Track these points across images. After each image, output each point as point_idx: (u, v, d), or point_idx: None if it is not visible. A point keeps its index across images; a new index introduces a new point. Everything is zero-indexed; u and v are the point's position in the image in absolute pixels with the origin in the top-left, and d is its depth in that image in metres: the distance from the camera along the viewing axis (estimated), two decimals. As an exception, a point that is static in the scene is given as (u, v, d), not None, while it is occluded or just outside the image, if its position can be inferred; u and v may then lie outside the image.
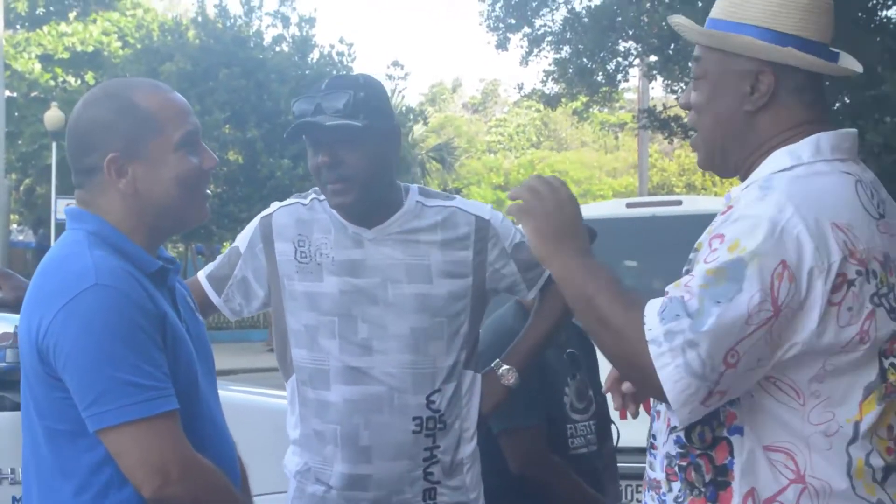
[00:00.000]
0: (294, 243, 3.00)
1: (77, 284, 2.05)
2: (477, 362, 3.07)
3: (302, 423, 3.01)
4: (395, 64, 45.98)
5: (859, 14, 16.43)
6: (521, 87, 22.36)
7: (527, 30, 19.99)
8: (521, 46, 20.24)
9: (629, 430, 3.57)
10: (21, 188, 35.15)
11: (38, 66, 31.36)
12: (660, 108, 19.44)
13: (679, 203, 7.13)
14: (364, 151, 2.87)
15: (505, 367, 3.07)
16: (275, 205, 3.14)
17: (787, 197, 1.96)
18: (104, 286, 2.05)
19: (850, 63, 2.27)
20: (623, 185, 47.96)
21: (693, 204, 6.84)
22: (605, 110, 33.17)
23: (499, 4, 19.69)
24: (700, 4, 13.90)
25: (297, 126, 2.90)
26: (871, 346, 1.97)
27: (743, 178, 2.19)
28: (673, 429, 2.06)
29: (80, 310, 2.03)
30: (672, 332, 1.88)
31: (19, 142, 30.97)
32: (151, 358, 2.06)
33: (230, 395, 3.16)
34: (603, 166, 51.84)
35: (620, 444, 3.81)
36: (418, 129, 37.26)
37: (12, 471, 3.67)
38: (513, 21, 19.80)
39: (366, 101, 2.87)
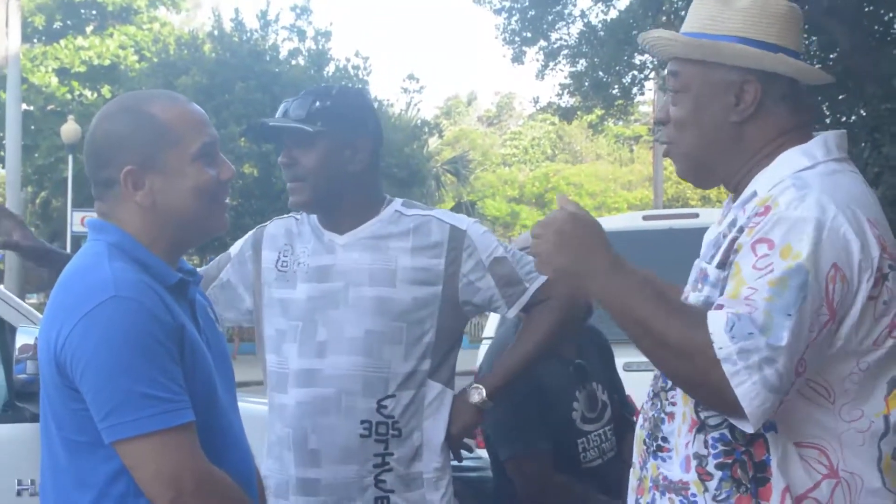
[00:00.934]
0: (279, 252, 3.08)
1: (96, 296, 2.05)
2: (451, 378, 3.04)
3: (269, 430, 3.03)
4: (411, 77, 46.32)
5: (876, 27, 16.42)
6: (536, 101, 22.45)
7: (543, 43, 19.99)
8: (537, 60, 20.25)
9: None
10: (37, 201, 35.29)
11: (54, 80, 31.51)
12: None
13: (696, 216, 7.10)
14: (316, 155, 2.96)
15: (476, 386, 3.05)
16: (274, 218, 3.23)
17: (827, 195, 1.96)
18: (123, 298, 2.04)
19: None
20: (638, 197, 47.89)
21: (710, 216, 6.80)
22: (621, 123, 33.17)
23: (515, 18, 19.70)
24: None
25: (249, 125, 3.12)
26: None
27: (734, 189, 2.19)
28: (702, 429, 2.06)
29: (98, 321, 2.03)
30: (746, 351, 1.87)
31: (36, 155, 31.09)
32: (168, 370, 2.06)
33: (247, 406, 3.16)
34: (618, 179, 51.77)
35: None
36: (433, 142, 37.33)
37: (32, 482, 3.68)
38: (529, 34, 19.81)
39: (329, 110, 2.97)
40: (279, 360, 3.00)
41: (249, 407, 4.28)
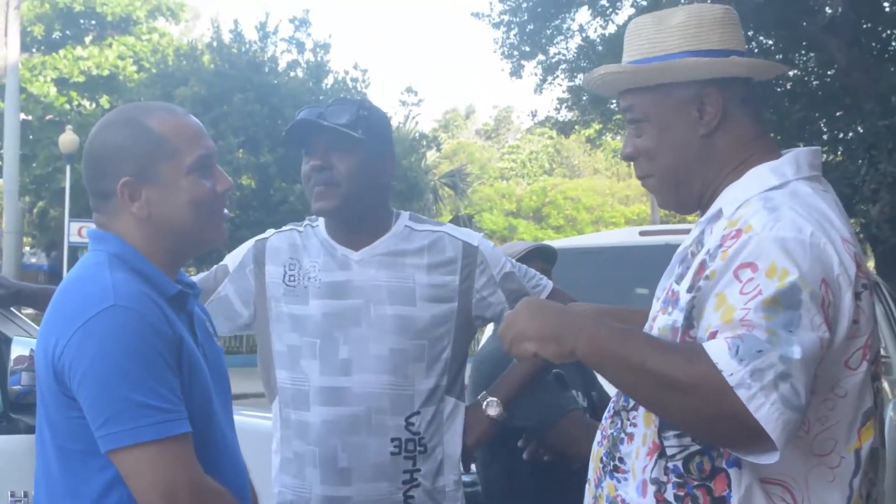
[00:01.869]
0: (285, 266, 3.04)
1: (95, 305, 2.05)
2: (462, 391, 3.06)
3: (283, 446, 3.01)
4: (409, 90, 46.35)
5: (873, 44, 16.47)
6: (534, 115, 22.49)
7: (541, 57, 20.07)
8: (536, 74, 20.33)
9: None
10: (35, 211, 35.29)
11: (53, 90, 31.54)
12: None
13: None
14: (355, 162, 2.94)
15: (490, 398, 3.07)
16: (270, 231, 3.18)
17: (800, 214, 1.94)
18: (122, 307, 2.05)
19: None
20: (635, 212, 47.97)
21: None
22: (619, 138, 33.20)
23: (513, 32, 19.77)
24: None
25: (297, 123, 2.98)
26: (869, 364, 1.96)
27: (704, 204, 2.16)
28: (663, 455, 2.02)
29: (96, 330, 2.03)
30: (759, 370, 1.79)
31: (34, 164, 31.09)
32: (166, 380, 2.06)
33: (241, 419, 3.15)
34: (615, 193, 51.85)
35: None
36: (431, 156, 37.37)
37: (25, 494, 3.66)
38: (527, 48, 19.88)
39: (367, 120, 2.96)
40: (294, 377, 2.97)
41: (244, 420, 4.28)
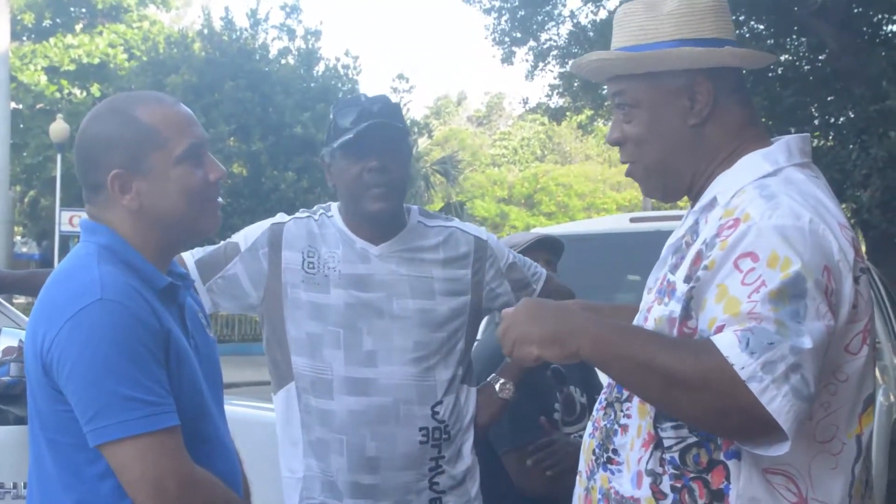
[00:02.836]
0: (303, 253, 3.06)
1: (82, 299, 2.05)
2: (472, 378, 3.15)
3: (305, 431, 3.03)
4: (401, 77, 46.25)
5: (864, 29, 16.46)
6: (525, 101, 22.42)
7: (532, 44, 20.04)
8: (527, 60, 20.29)
9: None
10: (25, 200, 35.24)
11: (43, 78, 31.46)
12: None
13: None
14: (405, 162, 3.06)
15: (501, 380, 3.16)
16: (283, 215, 3.18)
17: (797, 201, 1.93)
18: (109, 301, 2.04)
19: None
20: (627, 198, 47.99)
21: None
22: (610, 124, 33.18)
23: (504, 18, 19.74)
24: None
25: (373, 126, 2.95)
26: (869, 348, 1.97)
27: (694, 195, 2.15)
28: (659, 446, 2.01)
29: (84, 324, 2.03)
30: (771, 363, 1.79)
31: (24, 153, 31.05)
32: (153, 374, 2.05)
33: (233, 409, 3.14)
34: (607, 180, 51.84)
35: None
36: (423, 143, 37.37)
37: (14, 485, 3.66)
38: (518, 35, 19.85)
39: (403, 117, 3.07)
40: (315, 365, 3.00)
41: (236, 410, 4.27)
